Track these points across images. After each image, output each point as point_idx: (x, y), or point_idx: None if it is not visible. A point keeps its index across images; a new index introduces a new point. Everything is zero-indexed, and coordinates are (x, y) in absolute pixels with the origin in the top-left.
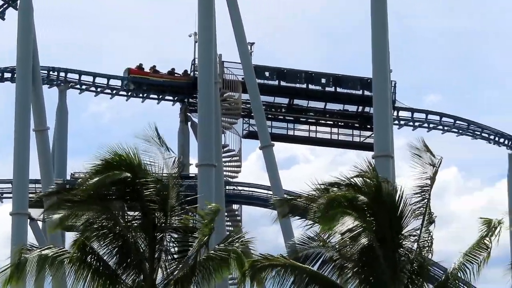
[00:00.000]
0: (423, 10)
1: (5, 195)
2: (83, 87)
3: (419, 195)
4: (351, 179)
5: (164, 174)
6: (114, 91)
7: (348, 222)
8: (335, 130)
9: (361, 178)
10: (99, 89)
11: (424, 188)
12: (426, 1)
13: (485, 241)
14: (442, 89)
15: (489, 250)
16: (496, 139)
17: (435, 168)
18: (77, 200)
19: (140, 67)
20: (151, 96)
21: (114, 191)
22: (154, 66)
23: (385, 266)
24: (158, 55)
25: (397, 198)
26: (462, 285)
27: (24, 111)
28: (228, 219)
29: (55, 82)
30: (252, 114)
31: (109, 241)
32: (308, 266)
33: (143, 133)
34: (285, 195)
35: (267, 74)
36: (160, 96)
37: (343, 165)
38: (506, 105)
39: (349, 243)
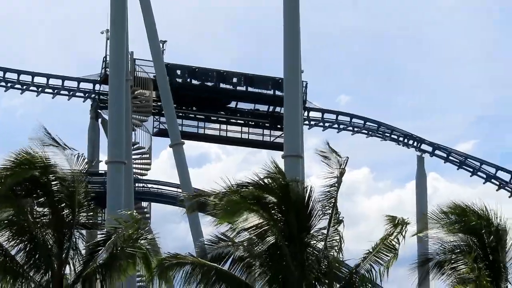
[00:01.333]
0: (336, 11)
1: None
2: None
3: (326, 195)
4: (260, 180)
5: (68, 171)
6: (25, 86)
7: (252, 219)
8: (245, 129)
9: (269, 178)
10: (9, 84)
11: (331, 188)
12: (340, 3)
13: (390, 240)
14: (353, 90)
15: (396, 250)
16: (405, 140)
17: (341, 168)
18: None
19: None
20: (62, 92)
21: (23, 189)
22: None
23: (293, 265)
24: (71, 53)
25: (306, 197)
26: (369, 285)
27: None
28: None
29: None
30: (163, 112)
31: (17, 238)
32: (216, 265)
33: (36, 135)
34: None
35: (178, 72)
36: (71, 93)
37: (255, 164)
38: (416, 108)
39: (257, 241)
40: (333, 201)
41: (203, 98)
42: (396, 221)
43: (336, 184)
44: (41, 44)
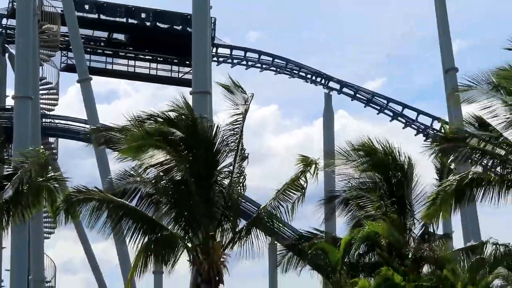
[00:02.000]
0: None
1: None
2: None
3: (232, 132)
4: (167, 114)
5: None
6: None
7: (159, 156)
8: (154, 65)
9: (177, 114)
10: None
11: (236, 125)
12: None
13: (300, 180)
14: (263, 27)
15: (303, 189)
16: (313, 78)
17: (246, 105)
18: None
19: None
20: None
21: None
22: None
23: (200, 201)
24: None
25: (213, 134)
26: (275, 221)
27: None
28: None
29: None
30: (71, 47)
31: None
32: (123, 201)
33: None
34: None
35: (86, 7)
36: None
37: (164, 100)
38: (324, 44)
39: (164, 178)
40: (238, 137)
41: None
42: (308, 161)
43: (241, 120)
44: None
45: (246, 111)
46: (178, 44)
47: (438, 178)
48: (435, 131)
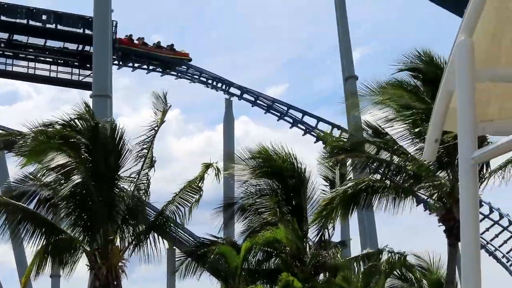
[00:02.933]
0: None
1: None
2: None
3: (144, 139)
4: (68, 118)
5: None
6: None
7: (59, 159)
8: (54, 67)
9: (78, 118)
10: None
11: (150, 132)
12: None
13: (196, 182)
14: (165, 30)
15: (200, 191)
16: (214, 83)
17: (163, 114)
18: None
19: (130, 38)
20: None
21: None
22: (143, 38)
23: (100, 205)
24: None
25: (116, 137)
26: (172, 225)
27: None
28: None
29: None
30: None
31: None
32: (22, 204)
33: None
34: (1, 131)
35: None
36: None
37: (65, 103)
38: (224, 47)
39: (64, 181)
40: (150, 144)
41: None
42: (209, 166)
43: (156, 129)
44: None
45: (162, 120)
46: (82, 47)
47: (328, 185)
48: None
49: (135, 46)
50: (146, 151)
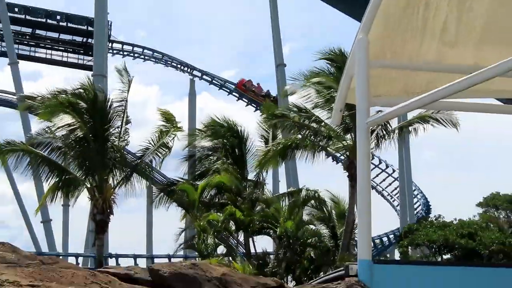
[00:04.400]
0: None
1: None
2: None
3: (119, 102)
4: (75, 89)
5: None
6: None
7: (67, 119)
8: (65, 54)
9: (83, 90)
10: None
11: (123, 99)
12: None
13: (167, 140)
14: (148, 26)
15: (169, 148)
16: (181, 67)
17: (129, 84)
18: None
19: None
20: None
21: None
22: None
23: (96, 154)
24: None
25: (108, 105)
26: (150, 168)
27: None
28: None
29: None
30: (4, 39)
31: None
32: (41, 152)
33: None
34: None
35: (16, 9)
36: None
37: (74, 81)
38: (189, 39)
39: (71, 136)
40: (124, 106)
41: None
42: (168, 116)
43: (126, 94)
44: None
45: (129, 87)
46: (85, 39)
47: (264, 142)
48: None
49: (245, 91)
50: (122, 112)
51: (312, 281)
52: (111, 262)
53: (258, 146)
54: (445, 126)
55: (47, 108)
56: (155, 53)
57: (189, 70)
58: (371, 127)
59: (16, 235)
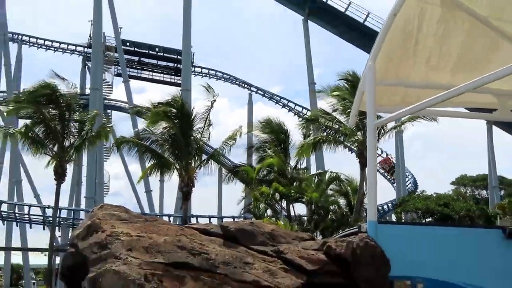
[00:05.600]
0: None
1: None
2: None
3: (204, 110)
4: (169, 101)
5: (66, 91)
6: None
7: (163, 123)
8: (162, 75)
9: (173, 101)
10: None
11: (206, 108)
12: None
13: (234, 137)
14: (222, 54)
15: (234, 140)
16: (243, 84)
17: (213, 98)
18: (23, 103)
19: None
20: (67, 50)
21: (44, 99)
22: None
23: (183, 145)
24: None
25: (192, 112)
26: (223, 158)
27: None
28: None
29: None
30: (119, 64)
31: (39, 125)
32: (144, 143)
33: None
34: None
35: (128, 44)
36: (72, 51)
37: (168, 94)
38: (247, 62)
39: (165, 133)
40: (207, 114)
41: (140, 58)
42: (237, 129)
43: (210, 106)
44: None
45: (214, 101)
46: (176, 65)
47: (302, 137)
48: (303, 114)
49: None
50: (205, 118)
51: (334, 235)
52: (193, 221)
53: (297, 140)
54: (427, 120)
55: (152, 117)
56: (224, 74)
57: (247, 86)
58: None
59: (127, 201)
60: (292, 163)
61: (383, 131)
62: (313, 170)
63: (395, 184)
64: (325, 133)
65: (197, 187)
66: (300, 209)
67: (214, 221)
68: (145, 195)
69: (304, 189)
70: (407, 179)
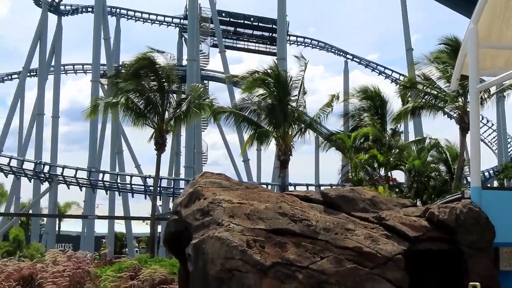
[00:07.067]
0: None
1: (87, 71)
2: None
3: (298, 79)
4: (265, 69)
5: (165, 63)
6: (150, 20)
7: (260, 91)
8: (257, 45)
9: (270, 70)
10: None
11: (299, 75)
12: None
13: (329, 103)
14: (318, 23)
15: (331, 107)
16: (338, 52)
17: (305, 65)
18: (123, 75)
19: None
20: (164, 22)
21: (144, 72)
22: None
23: (280, 114)
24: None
25: (288, 80)
26: (320, 126)
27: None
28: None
29: None
30: (215, 35)
31: (140, 97)
32: (242, 113)
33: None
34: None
35: (223, 14)
36: (169, 23)
37: (265, 63)
38: (343, 30)
39: (262, 102)
40: (301, 81)
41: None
42: (333, 94)
43: (303, 73)
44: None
45: (305, 68)
46: (271, 34)
47: (402, 104)
48: (400, 81)
49: None
50: (300, 86)
51: (435, 202)
52: (291, 189)
53: (394, 108)
54: None
55: (248, 84)
56: (319, 43)
57: (343, 54)
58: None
59: (225, 170)
60: (389, 130)
61: (484, 97)
62: (411, 137)
63: (496, 151)
64: (423, 100)
65: (294, 155)
66: (398, 176)
67: (311, 189)
68: (243, 164)
69: (405, 157)
70: (509, 145)
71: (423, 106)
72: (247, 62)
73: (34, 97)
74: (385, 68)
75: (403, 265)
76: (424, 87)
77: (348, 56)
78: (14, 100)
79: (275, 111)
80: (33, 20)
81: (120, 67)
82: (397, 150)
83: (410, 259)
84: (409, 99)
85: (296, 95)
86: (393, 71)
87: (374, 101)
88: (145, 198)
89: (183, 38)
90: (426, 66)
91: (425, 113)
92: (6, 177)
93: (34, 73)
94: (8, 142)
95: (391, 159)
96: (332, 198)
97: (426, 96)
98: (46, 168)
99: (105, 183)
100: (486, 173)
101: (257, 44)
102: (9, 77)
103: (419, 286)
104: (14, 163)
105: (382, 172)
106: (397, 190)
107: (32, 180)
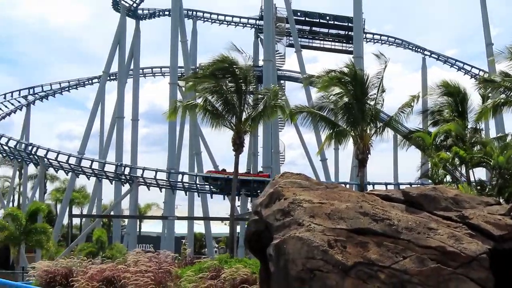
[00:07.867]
0: None
1: (165, 73)
2: None
3: (377, 77)
4: (342, 68)
5: (243, 64)
6: (226, 22)
7: (337, 89)
8: (333, 43)
9: (346, 68)
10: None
11: (379, 73)
12: None
13: (407, 103)
14: (394, 21)
15: (411, 107)
16: (415, 49)
17: (385, 63)
18: (201, 77)
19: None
20: (240, 24)
21: (221, 72)
22: None
23: (357, 112)
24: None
25: (365, 78)
26: (398, 124)
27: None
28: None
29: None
30: (291, 35)
31: (218, 98)
32: (319, 112)
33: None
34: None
35: (298, 14)
36: (245, 24)
37: (340, 61)
38: (420, 27)
39: (339, 101)
40: (380, 80)
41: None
42: (414, 95)
43: (382, 71)
44: None
45: (385, 66)
46: (347, 32)
47: (482, 100)
48: (480, 77)
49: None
50: (378, 84)
51: None
52: (369, 188)
53: (475, 104)
54: None
55: (324, 83)
56: (396, 40)
57: (421, 50)
58: None
59: (302, 170)
60: (470, 126)
61: None
62: (492, 133)
63: None
64: (504, 95)
65: (373, 154)
66: (479, 174)
67: (390, 188)
68: (320, 164)
69: (488, 153)
70: None
71: (505, 102)
72: (323, 61)
73: (114, 100)
74: (464, 63)
75: (488, 265)
76: (505, 82)
77: (425, 52)
78: (94, 104)
79: (353, 110)
80: (112, 25)
81: (197, 69)
82: (479, 147)
83: (495, 258)
84: (489, 95)
85: (374, 94)
86: (472, 66)
87: (454, 96)
88: (224, 198)
89: (259, 38)
90: (507, 60)
91: (506, 109)
92: (88, 179)
93: (114, 77)
94: (90, 145)
95: (474, 156)
96: (413, 197)
97: (507, 92)
98: (127, 170)
99: (184, 184)
100: None
101: (333, 43)
102: (90, 81)
103: (504, 286)
104: (95, 165)
105: (463, 170)
106: (478, 187)
107: (114, 182)
